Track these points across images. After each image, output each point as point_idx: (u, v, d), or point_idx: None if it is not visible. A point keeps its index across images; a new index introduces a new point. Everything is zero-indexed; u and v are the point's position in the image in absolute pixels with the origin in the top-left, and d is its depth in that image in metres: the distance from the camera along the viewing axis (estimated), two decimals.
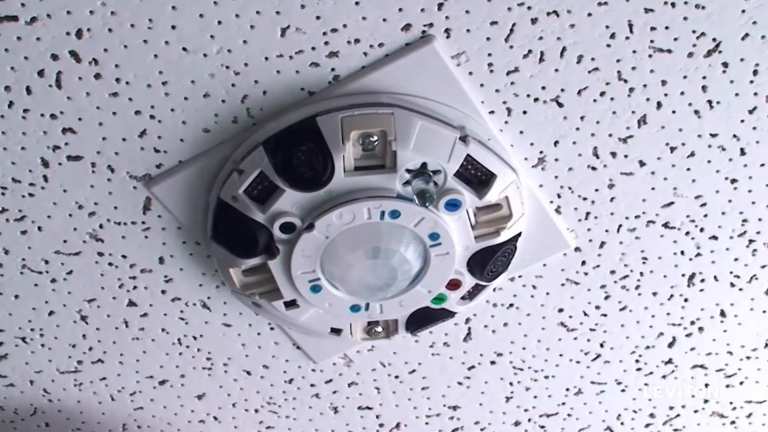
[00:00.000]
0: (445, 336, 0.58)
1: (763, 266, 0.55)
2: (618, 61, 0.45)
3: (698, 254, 0.54)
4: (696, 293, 0.56)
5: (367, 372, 0.60)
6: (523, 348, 0.59)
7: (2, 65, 0.43)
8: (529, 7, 0.43)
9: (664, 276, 0.55)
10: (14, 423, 0.62)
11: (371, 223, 0.46)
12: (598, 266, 0.54)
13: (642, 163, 0.49)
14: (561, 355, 0.59)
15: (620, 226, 0.52)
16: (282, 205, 0.45)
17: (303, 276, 0.48)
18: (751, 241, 0.53)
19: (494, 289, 0.55)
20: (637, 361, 0.60)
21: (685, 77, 0.46)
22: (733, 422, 0.64)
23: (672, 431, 0.65)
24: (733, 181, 0.51)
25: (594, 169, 0.50)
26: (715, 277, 0.55)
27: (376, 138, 0.44)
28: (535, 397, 0.62)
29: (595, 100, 0.47)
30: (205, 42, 0.43)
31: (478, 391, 0.61)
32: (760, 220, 0.52)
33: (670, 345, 0.59)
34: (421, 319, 0.53)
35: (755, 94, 0.47)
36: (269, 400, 0.61)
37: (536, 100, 0.47)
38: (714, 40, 0.45)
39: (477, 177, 0.46)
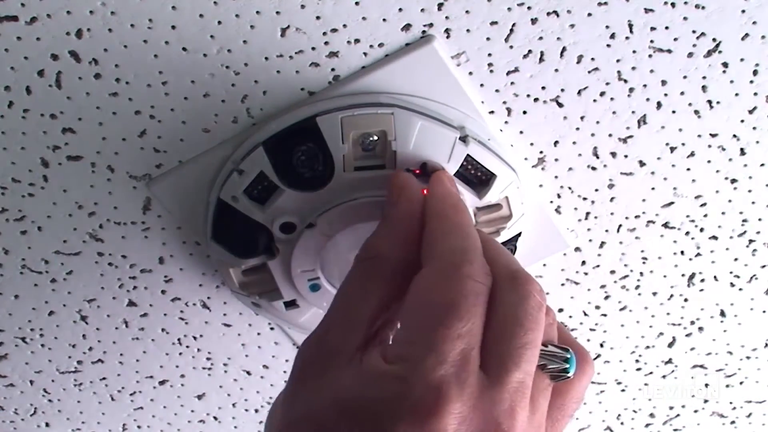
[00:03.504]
0: None
1: (763, 266, 0.55)
2: (618, 61, 0.45)
3: (698, 254, 0.54)
4: (696, 293, 0.56)
5: None
6: None
7: (2, 65, 0.43)
8: (529, 7, 0.43)
9: (664, 276, 0.55)
10: (14, 423, 0.62)
11: (372, 223, 0.46)
12: (598, 266, 0.54)
13: (642, 163, 0.49)
14: None
15: (620, 226, 0.52)
16: (282, 205, 0.45)
17: (303, 275, 0.48)
18: (751, 241, 0.53)
19: None
20: (637, 361, 0.60)
21: (685, 77, 0.46)
22: (733, 422, 0.64)
23: (672, 431, 0.65)
24: (733, 181, 0.51)
25: (594, 169, 0.50)
26: (715, 277, 0.55)
27: (376, 138, 0.44)
28: None
29: (595, 100, 0.47)
30: (205, 42, 0.43)
31: None
32: (760, 220, 0.52)
33: (670, 345, 0.59)
34: None
35: (755, 94, 0.47)
36: (269, 400, 0.61)
37: (536, 100, 0.47)
38: (714, 40, 0.45)
39: (477, 177, 0.46)
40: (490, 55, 0.45)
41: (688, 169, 0.50)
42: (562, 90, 0.46)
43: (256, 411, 0.62)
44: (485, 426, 0.33)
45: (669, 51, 0.45)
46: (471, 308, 0.34)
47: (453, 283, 0.35)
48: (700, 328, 0.58)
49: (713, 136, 0.49)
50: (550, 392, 0.37)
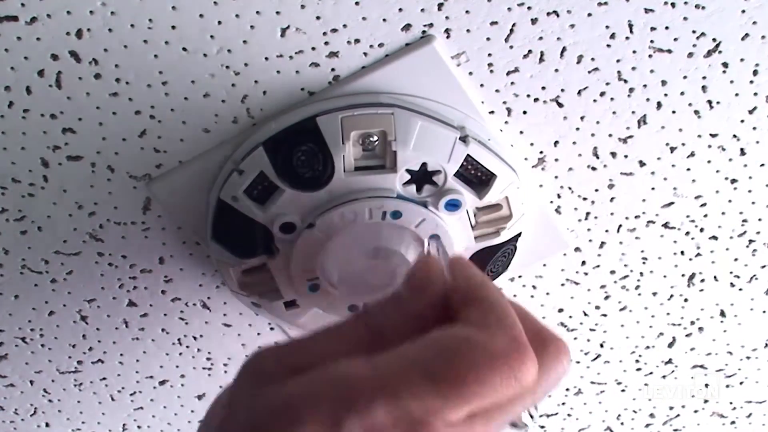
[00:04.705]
0: None
1: (763, 266, 0.55)
2: (618, 61, 0.45)
3: (698, 254, 0.54)
4: (696, 293, 0.56)
5: None
6: None
7: (2, 65, 0.43)
8: (529, 7, 0.43)
9: (664, 276, 0.55)
10: (14, 423, 0.62)
11: (372, 223, 0.46)
12: (598, 266, 0.54)
13: (642, 163, 0.49)
14: None
15: (620, 226, 0.52)
16: (282, 206, 0.45)
17: (302, 275, 0.48)
18: (751, 241, 0.53)
19: None
20: (637, 361, 0.60)
21: (685, 77, 0.46)
22: (733, 422, 0.64)
23: (672, 431, 0.65)
24: (733, 181, 0.51)
25: (594, 169, 0.50)
26: (715, 277, 0.55)
27: (376, 138, 0.44)
28: None
29: (595, 100, 0.47)
30: (205, 42, 0.43)
31: None
32: (760, 220, 0.52)
33: (670, 345, 0.59)
34: None
35: (755, 94, 0.47)
36: None
37: (536, 100, 0.47)
38: (714, 40, 0.45)
39: (477, 177, 0.46)
40: (490, 55, 0.45)
41: (688, 169, 0.50)
42: (562, 90, 0.46)
43: None
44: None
45: (669, 51, 0.45)
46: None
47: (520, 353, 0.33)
48: (700, 328, 0.58)
49: (713, 136, 0.49)
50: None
